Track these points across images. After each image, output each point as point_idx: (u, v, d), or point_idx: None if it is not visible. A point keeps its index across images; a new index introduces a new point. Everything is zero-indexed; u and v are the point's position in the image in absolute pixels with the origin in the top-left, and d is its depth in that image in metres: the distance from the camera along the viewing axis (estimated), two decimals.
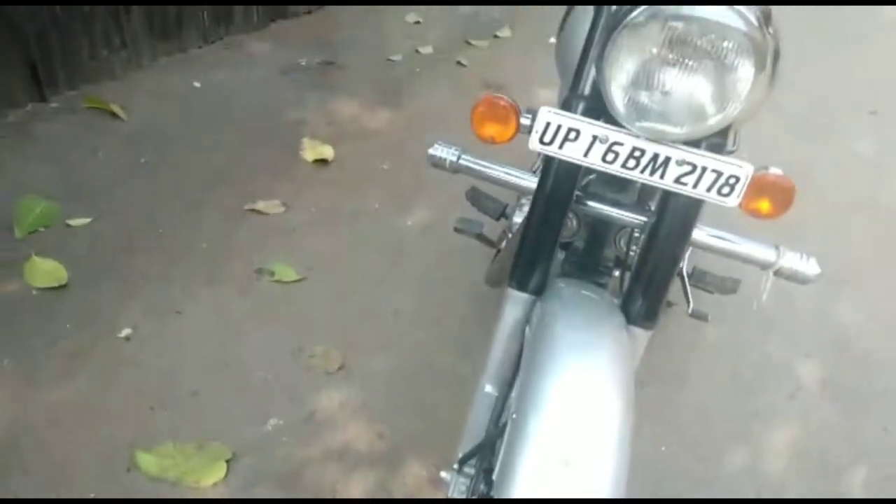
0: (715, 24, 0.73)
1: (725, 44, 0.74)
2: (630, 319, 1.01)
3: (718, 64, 0.76)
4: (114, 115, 2.45)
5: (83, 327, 1.72)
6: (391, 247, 2.12)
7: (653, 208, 1.06)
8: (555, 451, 0.78)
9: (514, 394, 0.94)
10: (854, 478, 1.65)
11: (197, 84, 2.75)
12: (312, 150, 2.50)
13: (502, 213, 1.68)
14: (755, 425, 1.73)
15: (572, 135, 0.89)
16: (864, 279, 2.25)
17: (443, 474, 1.14)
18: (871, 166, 2.91)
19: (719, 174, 0.86)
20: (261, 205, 2.20)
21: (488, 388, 1.10)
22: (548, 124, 0.89)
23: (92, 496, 1.39)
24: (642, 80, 0.81)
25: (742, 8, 0.73)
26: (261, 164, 2.39)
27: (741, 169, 0.85)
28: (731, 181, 0.86)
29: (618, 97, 0.82)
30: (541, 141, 0.90)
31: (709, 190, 0.87)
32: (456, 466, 1.10)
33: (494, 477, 0.85)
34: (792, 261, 1.02)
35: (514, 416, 0.85)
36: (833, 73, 3.57)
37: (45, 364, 1.62)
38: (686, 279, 1.60)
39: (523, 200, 1.57)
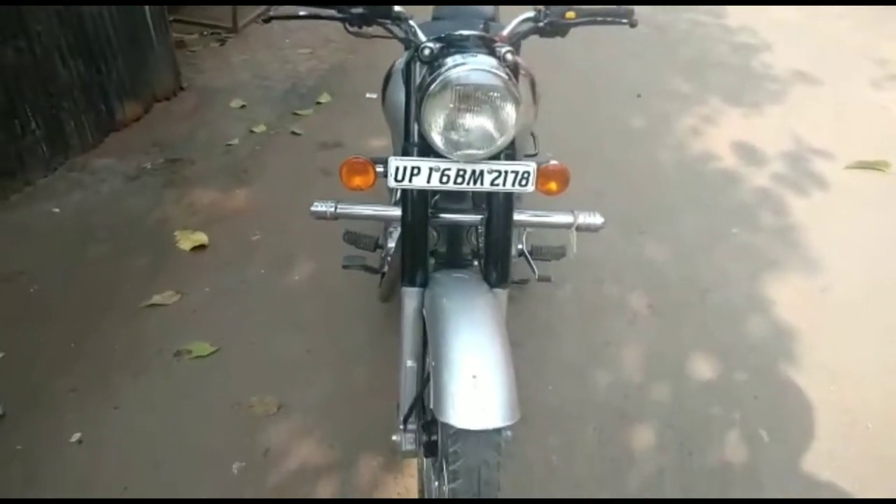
0: (482, 84, 1.19)
1: (492, 94, 1.19)
2: (491, 284, 1.43)
3: (492, 106, 1.21)
4: None
5: (34, 445, 1.86)
6: (287, 301, 2.42)
7: (483, 206, 1.50)
8: (465, 372, 1.16)
9: (428, 354, 1.30)
10: (693, 368, 2.17)
11: (56, 210, 2.89)
12: (186, 239, 2.73)
13: (377, 245, 2.06)
14: (610, 350, 2.22)
15: (416, 171, 1.30)
16: (664, 226, 2.85)
17: (393, 437, 1.46)
18: (642, 135, 3.61)
19: (517, 173, 1.30)
20: (156, 298, 2.41)
21: (409, 363, 1.46)
22: (397, 168, 1.30)
23: None
24: (449, 124, 1.25)
25: (496, 70, 1.18)
26: (143, 265, 2.59)
27: (529, 166, 1.30)
28: (526, 175, 1.31)
29: (438, 139, 1.25)
30: (396, 179, 1.31)
31: (513, 184, 1.31)
32: (401, 427, 1.45)
33: (431, 406, 1.19)
34: (584, 218, 1.50)
35: (432, 363, 1.22)
36: (605, 68, 4.32)
37: (6, 485, 1.76)
38: (528, 256, 2.06)
39: (391, 229, 1.96)
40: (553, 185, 1.41)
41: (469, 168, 1.29)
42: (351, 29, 1.42)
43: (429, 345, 1.29)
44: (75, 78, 3.19)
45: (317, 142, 3.55)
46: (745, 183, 3.20)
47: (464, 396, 1.14)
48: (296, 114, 3.86)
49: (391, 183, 1.31)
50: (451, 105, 1.22)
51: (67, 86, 3.15)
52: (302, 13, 1.40)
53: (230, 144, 3.52)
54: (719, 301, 2.44)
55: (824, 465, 1.85)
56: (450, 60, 1.22)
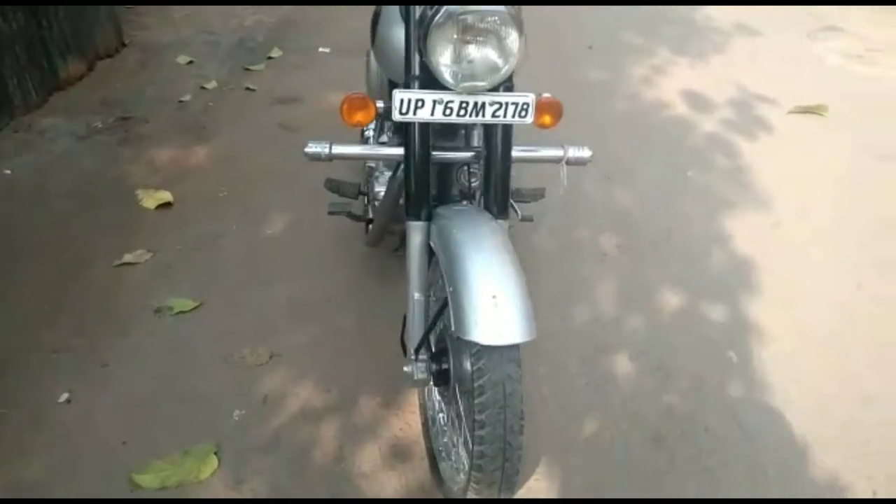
0: (488, 11, 1.22)
1: (495, 19, 1.22)
2: (493, 216, 1.47)
3: (496, 35, 1.25)
4: None
5: (22, 407, 1.82)
6: (263, 254, 2.41)
7: (475, 143, 1.53)
8: (485, 293, 1.22)
9: (443, 279, 1.33)
10: (661, 300, 2.29)
11: (8, 171, 2.77)
12: (150, 197, 2.67)
13: (359, 192, 2.07)
14: (585, 287, 2.32)
15: (420, 104, 1.33)
16: (627, 172, 2.96)
17: (405, 368, 1.51)
18: (598, 86, 3.70)
19: (517, 104, 1.35)
20: (128, 257, 2.36)
21: (417, 296, 1.51)
22: (402, 101, 1.32)
23: None
24: (455, 56, 1.27)
25: None
26: (108, 224, 2.53)
27: (528, 98, 1.35)
28: (525, 107, 1.36)
29: (443, 71, 1.28)
30: (400, 112, 1.33)
31: (514, 116, 1.36)
32: (413, 357, 1.50)
33: (452, 328, 1.24)
34: (574, 152, 1.57)
35: (450, 289, 1.27)
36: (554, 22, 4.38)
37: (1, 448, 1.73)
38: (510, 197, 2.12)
39: (377, 173, 1.98)
40: (547, 119, 1.47)
41: (471, 100, 1.33)
42: None
43: (443, 273, 1.32)
44: (16, 32, 3.04)
45: (272, 97, 3.50)
46: (697, 129, 3.34)
47: (486, 315, 1.20)
48: (247, 69, 3.78)
49: (396, 116, 1.34)
50: (456, 36, 1.25)
51: (8, 40, 3.00)
52: None
53: (182, 101, 3.43)
54: (682, 239, 2.57)
55: (787, 378, 2.00)
56: None
